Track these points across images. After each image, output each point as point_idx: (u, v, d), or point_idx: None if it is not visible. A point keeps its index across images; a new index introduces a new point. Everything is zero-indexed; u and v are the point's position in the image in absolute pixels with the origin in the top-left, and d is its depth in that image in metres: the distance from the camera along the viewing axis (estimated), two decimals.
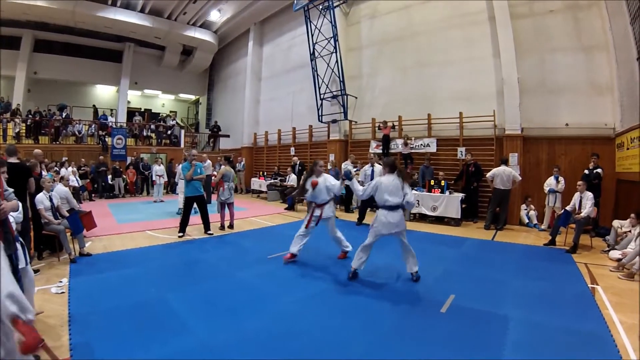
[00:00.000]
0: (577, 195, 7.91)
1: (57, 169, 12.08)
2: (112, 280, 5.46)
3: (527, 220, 10.38)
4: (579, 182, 7.95)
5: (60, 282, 5.35)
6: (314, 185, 6.32)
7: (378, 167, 9.47)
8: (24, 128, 17.74)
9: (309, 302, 4.75)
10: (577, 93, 10.22)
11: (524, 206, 10.55)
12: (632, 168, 8.32)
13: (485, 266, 6.52)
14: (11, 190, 3.55)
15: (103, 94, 25.36)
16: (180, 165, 10.21)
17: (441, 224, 10.56)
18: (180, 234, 8.48)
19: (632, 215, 6.99)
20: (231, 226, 9.71)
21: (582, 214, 7.55)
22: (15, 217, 4.68)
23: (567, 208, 8.00)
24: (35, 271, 5.47)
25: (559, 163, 9.98)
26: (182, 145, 21.56)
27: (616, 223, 7.65)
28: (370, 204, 9.98)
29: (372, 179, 9.29)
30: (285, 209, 13.45)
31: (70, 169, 14.07)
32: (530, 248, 7.91)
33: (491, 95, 11.45)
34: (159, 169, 15.23)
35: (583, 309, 4.53)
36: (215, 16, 21.73)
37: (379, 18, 14.94)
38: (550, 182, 9.57)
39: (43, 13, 18.06)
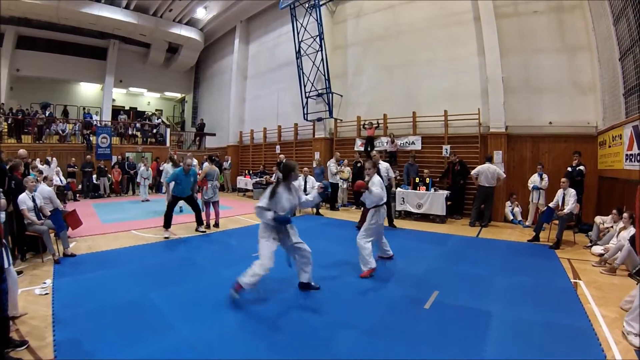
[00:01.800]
0: (560, 192, 7.97)
1: (40, 169, 11.85)
2: (96, 281, 5.39)
3: (511, 217, 10.44)
4: (562, 179, 8.01)
5: (44, 283, 5.25)
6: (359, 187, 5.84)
7: (384, 165, 9.39)
8: (6, 127, 17.38)
9: (292, 300, 4.73)
10: (560, 92, 10.34)
11: (508, 203, 10.62)
12: (613, 165, 8.46)
13: (469, 263, 6.53)
14: None
15: (87, 92, 25.10)
16: (164, 166, 10.09)
17: (426, 221, 10.59)
18: (167, 235, 8.36)
19: (614, 211, 7.10)
20: (216, 225, 9.66)
21: (565, 211, 7.61)
22: None
23: (551, 205, 8.06)
24: (19, 272, 5.36)
25: (542, 160, 10.06)
26: (168, 144, 21.46)
27: (598, 219, 7.76)
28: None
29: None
30: None
31: (54, 168, 13.90)
32: (515, 244, 7.96)
33: (476, 93, 11.52)
34: (144, 172, 15.07)
35: (566, 303, 4.56)
36: (202, 13, 21.58)
37: (364, 17, 14.92)
38: (534, 179, 9.63)
39: (26, 9, 17.65)
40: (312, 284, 5.08)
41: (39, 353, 3.38)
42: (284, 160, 14.57)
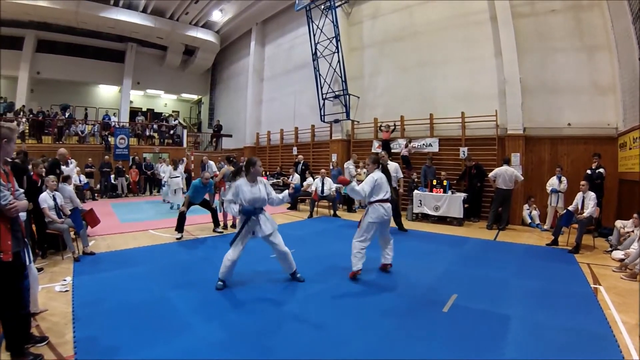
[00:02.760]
0: (579, 195, 7.90)
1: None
2: (115, 279, 5.50)
3: (529, 220, 10.37)
4: (582, 182, 7.93)
5: (64, 280, 5.39)
6: (342, 182, 5.92)
7: (392, 165, 9.38)
8: (27, 128, 17.83)
9: (310, 301, 4.77)
10: (579, 93, 10.19)
11: (526, 206, 10.54)
12: (634, 168, 8.32)
13: (487, 266, 6.51)
14: (22, 190, 3.60)
15: (106, 94, 25.54)
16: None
17: (443, 223, 10.55)
18: (179, 237, 8.49)
19: (635, 215, 6.97)
20: (234, 225, 9.74)
21: (584, 214, 7.54)
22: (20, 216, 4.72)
23: (570, 208, 7.99)
24: (39, 269, 5.52)
25: (561, 163, 9.99)
26: (185, 145, 21.71)
27: (619, 223, 7.62)
28: None
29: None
30: (288, 208, 13.47)
31: (73, 168, 14.13)
32: (533, 248, 7.90)
33: (493, 95, 11.44)
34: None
35: (586, 309, 4.52)
36: (217, 16, 21.78)
37: (380, 18, 14.91)
38: (552, 182, 9.55)
39: (46, 13, 18.15)
40: (297, 276, 5.53)
41: (59, 349, 3.47)
42: (302, 161, 14.71)
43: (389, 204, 5.75)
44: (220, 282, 5.14)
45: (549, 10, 10.64)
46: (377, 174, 5.77)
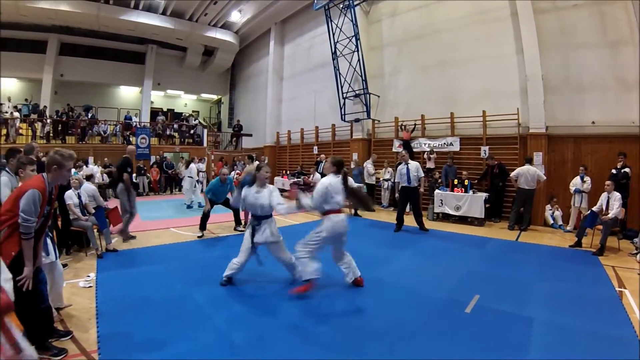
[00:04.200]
0: (604, 195, 7.76)
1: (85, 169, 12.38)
2: (138, 276, 5.66)
3: (551, 221, 10.24)
4: (607, 182, 7.79)
5: (88, 276, 5.57)
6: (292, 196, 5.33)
7: (413, 165, 9.38)
8: (51, 128, 18.40)
9: (332, 300, 4.86)
10: (603, 90, 9.94)
11: (548, 206, 10.40)
12: None
13: (509, 267, 6.50)
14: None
15: (127, 94, 25.99)
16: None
17: (464, 223, 10.51)
18: (200, 235, 8.65)
19: None
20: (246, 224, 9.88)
21: (609, 215, 7.41)
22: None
23: (594, 209, 7.85)
24: (64, 265, 5.70)
25: (585, 162, 9.79)
26: (205, 145, 21.94)
27: None
28: (406, 205, 9.89)
29: (408, 178, 9.29)
30: None
31: (96, 167, 14.44)
32: (555, 249, 7.82)
33: (515, 93, 11.28)
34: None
35: (610, 312, 4.49)
36: (236, 17, 21.91)
37: (399, 16, 14.86)
38: (576, 182, 9.40)
39: (68, 17, 18.60)
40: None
41: (82, 344, 3.59)
42: (324, 160, 14.73)
43: (344, 215, 5.07)
44: (225, 279, 5.23)
45: (570, 5, 10.38)
46: (331, 179, 5.02)
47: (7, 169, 4.51)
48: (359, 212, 11.92)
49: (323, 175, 13.83)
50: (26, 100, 20.22)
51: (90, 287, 5.17)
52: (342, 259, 5.26)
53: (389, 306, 4.65)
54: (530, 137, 10.76)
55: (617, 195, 7.54)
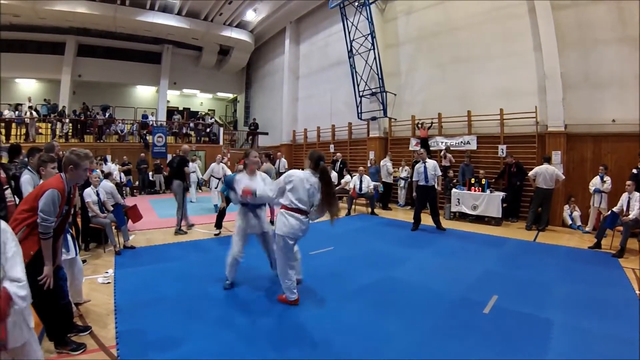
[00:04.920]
0: (624, 196, 7.64)
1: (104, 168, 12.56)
2: (155, 273, 5.74)
3: (570, 222, 10.09)
4: (627, 182, 7.65)
5: (107, 272, 5.73)
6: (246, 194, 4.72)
7: (431, 163, 9.35)
8: (70, 128, 18.89)
9: (351, 299, 4.87)
10: (624, 87, 9.72)
11: (567, 207, 10.26)
12: None
13: (527, 268, 6.44)
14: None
15: (143, 94, 26.45)
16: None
17: (481, 223, 10.45)
18: (217, 232, 8.77)
19: None
20: (272, 222, 9.87)
21: (630, 216, 7.29)
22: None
23: (614, 209, 7.71)
24: (83, 261, 5.82)
25: (605, 161, 9.56)
26: (221, 143, 22.11)
27: None
28: (424, 204, 9.84)
29: (425, 177, 9.27)
30: None
31: (115, 165, 14.65)
32: (574, 250, 7.73)
33: (533, 90, 11.14)
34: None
35: (630, 316, 4.43)
36: (251, 16, 22.07)
37: (415, 14, 14.78)
38: (595, 182, 9.21)
39: (85, 19, 19.04)
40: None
41: (101, 339, 3.68)
42: (340, 159, 14.76)
43: (304, 217, 4.56)
44: (227, 282, 5.16)
45: (589, 1, 10.20)
46: (295, 174, 4.53)
47: (29, 167, 4.64)
48: (375, 210, 11.92)
49: (340, 173, 13.95)
50: (45, 100, 20.69)
51: (108, 283, 5.31)
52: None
53: (406, 305, 4.67)
54: (549, 136, 10.62)
55: (638, 196, 7.41)
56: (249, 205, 5.07)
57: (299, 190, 4.44)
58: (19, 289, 2.25)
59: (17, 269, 2.30)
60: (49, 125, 18.16)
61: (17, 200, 4.30)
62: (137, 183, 17.42)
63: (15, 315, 2.29)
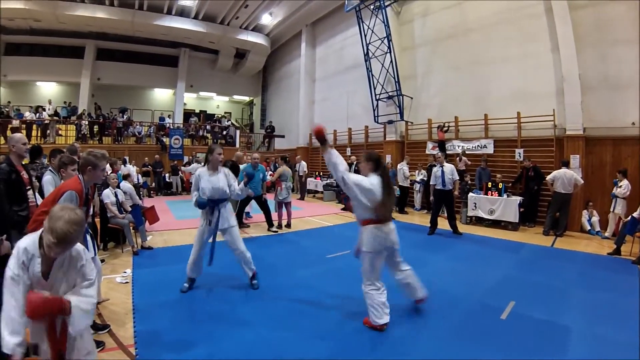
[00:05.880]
0: None
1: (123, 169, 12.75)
2: (173, 273, 5.72)
3: (588, 227, 9.91)
4: None
5: (125, 272, 5.84)
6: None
7: (448, 167, 9.34)
8: (88, 129, 19.13)
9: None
10: None
11: (585, 212, 10.10)
12: None
13: (545, 273, 6.38)
14: None
15: (161, 97, 26.89)
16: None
17: (498, 227, 10.40)
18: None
19: None
20: (288, 225, 10.01)
21: None
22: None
23: (635, 215, 7.55)
24: (101, 261, 6.01)
25: (625, 165, 9.36)
26: (238, 145, 22.28)
27: None
28: (440, 208, 9.86)
29: (443, 181, 9.26)
30: (342, 209, 13.61)
31: (133, 167, 14.84)
32: (593, 257, 7.61)
33: (550, 93, 11.01)
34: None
35: None
36: (267, 19, 22.17)
37: (431, 16, 14.75)
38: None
39: (105, 24, 19.58)
40: (253, 282, 5.26)
41: (119, 338, 3.75)
42: (355, 162, 14.76)
43: (391, 226, 4.30)
44: (185, 284, 5.15)
45: (607, 0, 10.02)
46: (373, 180, 4.09)
47: (50, 168, 4.77)
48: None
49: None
50: (65, 102, 21.19)
51: (126, 282, 5.42)
52: (399, 268, 4.56)
53: (422, 310, 4.66)
54: (567, 139, 10.47)
55: None
56: (211, 202, 5.03)
57: (375, 196, 4.05)
58: (82, 303, 2.42)
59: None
60: (71, 127, 18.64)
61: (38, 201, 4.38)
62: (153, 184, 17.64)
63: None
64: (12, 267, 2.33)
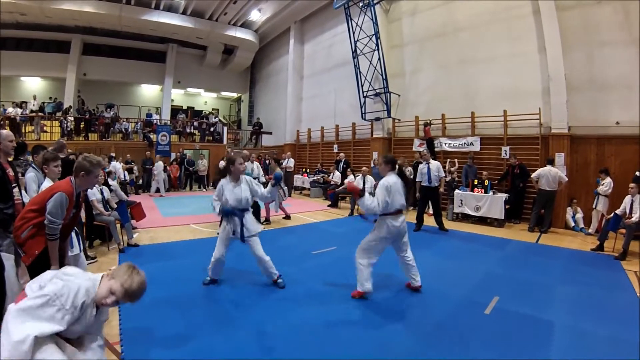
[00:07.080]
0: (628, 198, 7.62)
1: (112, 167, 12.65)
2: (158, 271, 5.69)
3: (573, 224, 10.07)
4: (631, 185, 7.63)
5: (110, 269, 5.66)
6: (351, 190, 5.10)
7: (434, 164, 9.41)
8: (78, 125, 18.95)
9: (352, 299, 4.87)
10: (629, 89, 9.63)
11: (569, 209, 10.24)
12: None
13: (529, 269, 6.45)
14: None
15: (148, 93, 26.65)
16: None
17: (484, 224, 10.47)
18: (219, 231, 8.72)
19: None
20: (267, 220, 10.02)
21: (633, 219, 7.27)
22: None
23: (617, 212, 7.69)
24: (93, 258, 6.14)
25: (608, 164, 9.58)
26: (225, 142, 22.17)
27: None
28: (426, 205, 10.02)
29: (429, 177, 9.33)
30: (329, 205, 13.63)
31: (119, 164, 14.72)
32: (576, 253, 7.71)
33: (536, 92, 11.14)
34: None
35: (631, 318, 4.43)
36: (256, 16, 22.05)
37: (419, 14, 14.80)
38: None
39: (91, 18, 19.16)
40: (279, 281, 5.25)
41: (105, 335, 3.64)
42: (343, 159, 14.80)
43: (403, 217, 4.96)
44: (207, 278, 5.26)
45: (594, 2, 10.16)
46: (392, 179, 4.85)
47: (33, 165, 4.69)
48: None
49: (343, 173, 13.98)
50: (50, 98, 20.83)
51: None
52: (407, 259, 5.19)
53: (407, 306, 4.70)
54: (552, 138, 10.61)
55: None
56: (235, 211, 5.11)
57: (396, 194, 4.83)
58: None
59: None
60: (56, 122, 18.36)
61: (25, 198, 4.32)
62: (140, 181, 17.41)
63: None
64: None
